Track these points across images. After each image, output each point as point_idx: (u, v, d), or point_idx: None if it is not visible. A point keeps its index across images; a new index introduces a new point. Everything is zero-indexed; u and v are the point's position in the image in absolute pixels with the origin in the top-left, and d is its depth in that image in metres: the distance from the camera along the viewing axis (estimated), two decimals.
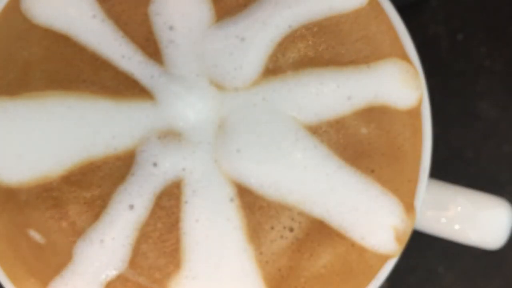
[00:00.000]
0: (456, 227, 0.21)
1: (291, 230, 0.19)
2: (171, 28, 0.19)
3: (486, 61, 0.29)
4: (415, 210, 0.19)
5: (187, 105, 0.19)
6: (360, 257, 0.19)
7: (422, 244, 0.28)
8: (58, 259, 0.19)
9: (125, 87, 0.19)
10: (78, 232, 0.19)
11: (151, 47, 0.19)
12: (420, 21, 0.29)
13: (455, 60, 0.29)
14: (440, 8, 0.29)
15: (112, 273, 0.19)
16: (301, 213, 0.19)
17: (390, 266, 0.20)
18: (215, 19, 0.20)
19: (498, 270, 0.28)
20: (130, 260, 0.19)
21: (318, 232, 0.19)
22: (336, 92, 0.19)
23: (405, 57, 0.20)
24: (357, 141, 0.20)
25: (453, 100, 0.29)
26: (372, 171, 0.19)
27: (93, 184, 0.19)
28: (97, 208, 0.19)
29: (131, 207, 0.19)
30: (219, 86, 0.19)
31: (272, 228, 0.19)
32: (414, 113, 0.20)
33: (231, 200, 0.19)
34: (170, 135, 0.19)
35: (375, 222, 0.19)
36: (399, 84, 0.20)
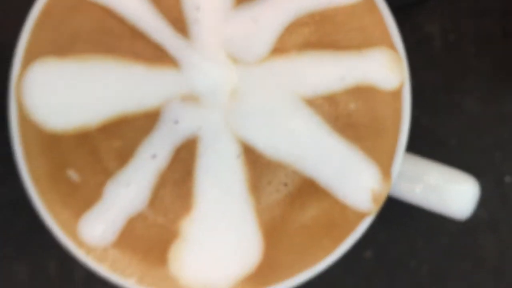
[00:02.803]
0: (428, 196, 0.22)
1: (285, 185, 0.21)
2: (197, 8, 0.21)
3: (474, 61, 0.30)
4: (391, 177, 0.21)
5: (206, 74, 0.21)
6: (342, 213, 0.21)
7: (403, 220, 0.30)
8: (90, 196, 0.21)
9: (156, 56, 0.21)
10: (108, 175, 0.21)
11: (179, 24, 0.21)
12: (416, 21, 0.30)
13: (446, 58, 0.30)
14: (434, 10, 0.30)
15: (134, 211, 0.21)
16: (294, 172, 0.21)
17: (367, 222, 0.21)
18: (235, 4, 0.22)
19: (470, 250, 0.30)
20: (149, 202, 0.21)
21: (307, 188, 0.21)
22: (331, 72, 0.21)
23: (392, 46, 0.22)
24: (346, 114, 0.21)
25: (442, 94, 0.30)
26: (357, 140, 0.21)
27: (124, 135, 0.21)
28: (125, 155, 0.21)
29: (154, 156, 0.21)
30: (234, 60, 0.21)
31: (270, 182, 0.21)
32: (396, 95, 0.22)
33: (238, 156, 0.21)
34: (190, 98, 0.21)
35: (356, 184, 0.21)
36: (385, 69, 0.21)
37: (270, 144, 0.21)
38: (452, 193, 0.22)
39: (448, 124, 0.30)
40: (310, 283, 0.29)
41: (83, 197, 0.21)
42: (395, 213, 0.29)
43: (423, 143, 0.29)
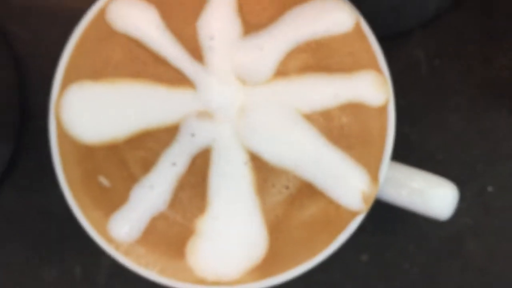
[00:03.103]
0: (413, 199, 0.24)
1: (287, 188, 0.23)
2: (211, 38, 0.23)
3: (457, 83, 0.31)
4: (379, 181, 0.23)
5: (219, 94, 0.23)
6: (336, 212, 0.23)
7: (396, 227, 0.31)
8: (119, 199, 0.23)
9: (176, 79, 0.23)
10: (134, 180, 0.23)
11: (196, 51, 0.23)
12: (404, 48, 0.32)
13: (432, 81, 0.32)
14: (421, 38, 0.32)
15: (156, 211, 0.23)
16: (295, 176, 0.23)
17: (358, 220, 0.23)
18: (243, 34, 0.23)
19: (457, 253, 0.31)
20: (169, 203, 0.23)
21: (306, 190, 0.23)
22: (325, 91, 0.23)
23: (378, 69, 0.23)
24: (339, 127, 0.23)
25: (429, 113, 0.31)
26: (349, 149, 0.23)
27: (147, 147, 0.23)
28: (149, 164, 0.23)
29: (174, 164, 0.23)
30: (242, 82, 0.23)
31: (273, 185, 0.23)
32: (382, 110, 0.23)
33: (245, 163, 0.23)
34: (205, 115, 0.23)
35: (349, 186, 0.23)
36: (372, 88, 0.23)
37: (273, 153, 0.23)
38: (435, 196, 0.23)
39: (434, 139, 0.31)
40: (312, 285, 0.31)
41: (112, 200, 0.23)
42: (389, 220, 0.31)
43: (412, 157, 0.30)
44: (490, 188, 0.31)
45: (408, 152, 0.30)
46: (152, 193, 0.23)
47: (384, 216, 0.31)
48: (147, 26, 0.23)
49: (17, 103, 0.31)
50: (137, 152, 0.23)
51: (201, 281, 0.23)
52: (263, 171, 0.23)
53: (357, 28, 0.23)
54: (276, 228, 0.23)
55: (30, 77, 0.33)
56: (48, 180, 0.30)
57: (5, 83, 0.31)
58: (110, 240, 0.23)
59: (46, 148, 0.31)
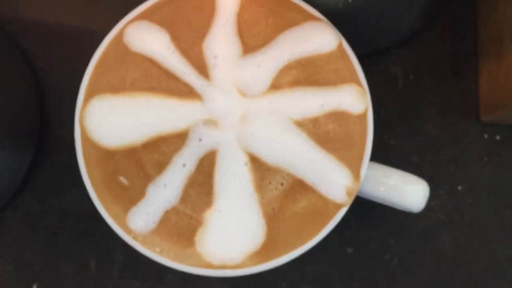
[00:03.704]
0: (390, 195, 0.25)
1: (282, 184, 0.24)
2: (215, 57, 0.25)
3: (430, 95, 0.33)
4: (360, 177, 0.24)
5: (222, 104, 0.24)
6: (324, 204, 0.24)
7: (378, 222, 0.33)
8: (136, 196, 0.24)
9: (185, 92, 0.25)
10: (149, 179, 0.24)
11: (202, 68, 0.25)
12: (383, 64, 0.34)
13: (408, 93, 0.34)
14: (398, 55, 0.34)
15: (168, 206, 0.24)
16: (288, 174, 0.24)
17: (343, 212, 0.24)
18: (243, 53, 0.25)
19: (432, 245, 0.33)
20: (180, 199, 0.24)
21: (298, 187, 0.24)
22: (314, 101, 0.24)
23: (358, 83, 0.25)
24: (325, 132, 0.24)
25: (405, 122, 0.33)
26: (334, 151, 0.24)
27: (161, 150, 0.24)
28: (162, 165, 0.24)
29: (184, 165, 0.24)
30: (242, 94, 0.24)
31: (270, 183, 0.24)
32: (362, 117, 0.25)
33: (246, 164, 0.24)
34: (211, 122, 0.24)
35: (334, 182, 0.24)
36: (353, 99, 0.25)
37: (269, 155, 0.24)
38: (409, 191, 0.25)
39: (410, 144, 0.33)
40: (305, 274, 0.33)
41: (130, 196, 0.24)
42: (371, 217, 0.33)
43: (391, 160, 0.31)
44: (460, 187, 0.33)
45: (387, 155, 0.33)
46: (165, 190, 0.24)
47: (367, 213, 0.33)
48: (159, 47, 0.25)
49: (37, 115, 0.34)
50: (152, 155, 0.24)
51: (209, 266, 0.24)
52: (261, 170, 0.24)
53: (340, 47, 0.25)
54: (273, 219, 0.24)
55: (46, 90, 0.35)
56: (65, 183, 0.33)
57: (27, 96, 0.33)
58: (129, 231, 0.24)
59: (63, 154, 0.33)
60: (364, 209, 0.30)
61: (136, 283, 0.33)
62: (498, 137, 0.34)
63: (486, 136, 0.34)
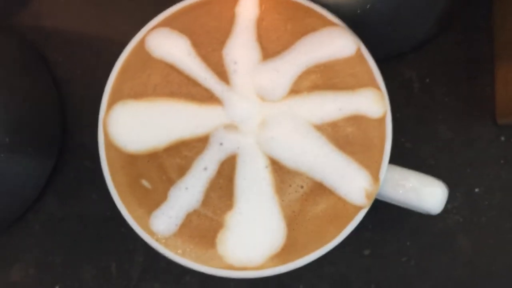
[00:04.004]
0: (408, 196, 0.25)
1: (302, 187, 0.25)
2: (235, 62, 0.25)
3: (445, 98, 0.33)
4: (379, 180, 0.25)
5: (242, 109, 0.25)
6: (343, 207, 0.25)
7: (394, 225, 0.33)
8: (158, 198, 0.25)
9: (206, 97, 0.25)
10: (171, 183, 0.25)
11: (222, 74, 0.25)
12: (399, 69, 0.34)
13: (424, 96, 0.33)
14: (414, 59, 0.34)
15: (190, 209, 0.25)
16: (308, 177, 0.25)
17: (362, 213, 0.24)
18: (262, 59, 0.25)
19: (448, 247, 0.33)
20: (202, 201, 0.25)
21: (318, 189, 0.25)
22: (332, 105, 0.25)
23: (377, 87, 0.25)
24: (344, 136, 0.25)
25: (421, 125, 0.33)
26: (353, 154, 0.25)
27: (183, 154, 0.25)
28: (184, 168, 0.25)
29: (205, 168, 0.25)
30: (262, 99, 0.25)
31: (290, 185, 0.25)
32: (381, 121, 0.25)
33: (266, 167, 0.25)
34: (231, 127, 0.25)
35: (354, 185, 0.24)
36: (372, 103, 0.25)
37: (289, 158, 0.25)
38: (427, 193, 0.25)
39: (427, 147, 0.33)
40: (322, 276, 0.33)
41: (153, 199, 0.25)
42: (388, 220, 0.33)
43: (408, 163, 0.31)
44: (477, 190, 0.33)
45: (403, 158, 0.32)
46: (187, 194, 0.25)
47: (383, 215, 0.33)
48: (180, 53, 0.26)
49: (58, 122, 0.35)
50: (174, 159, 0.25)
51: (230, 267, 0.24)
52: (281, 173, 0.25)
53: (358, 52, 0.26)
54: (293, 221, 0.25)
55: (66, 97, 0.36)
56: (86, 187, 0.34)
57: (49, 104, 0.34)
58: (151, 233, 0.25)
59: (84, 160, 0.34)
60: (380, 212, 0.30)
61: (155, 285, 0.33)
62: None
63: (502, 138, 0.33)
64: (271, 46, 0.26)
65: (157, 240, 0.25)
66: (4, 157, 0.29)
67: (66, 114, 0.35)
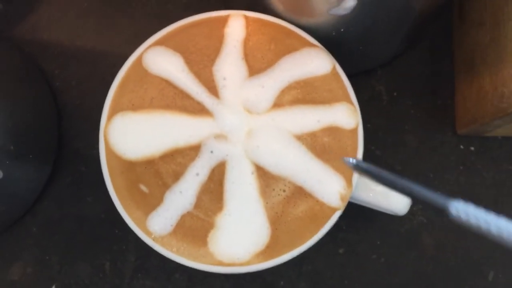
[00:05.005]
0: (378, 199, 0.27)
1: (284, 191, 0.26)
2: (224, 78, 0.27)
3: (411, 110, 0.35)
4: (352, 184, 0.26)
5: (231, 121, 0.26)
6: (321, 208, 0.26)
7: (366, 226, 0.34)
8: (155, 202, 0.26)
9: (198, 110, 0.26)
10: (167, 187, 0.26)
11: (213, 89, 0.27)
12: (369, 83, 0.35)
13: (392, 109, 0.35)
14: (383, 75, 0.36)
15: (184, 211, 0.26)
16: (290, 182, 0.26)
17: (337, 215, 0.26)
18: (249, 75, 0.27)
19: (414, 245, 0.34)
20: (194, 204, 0.26)
21: (299, 193, 0.26)
22: (311, 118, 0.26)
23: (350, 101, 0.27)
24: (321, 145, 0.26)
25: (390, 134, 0.35)
26: (329, 161, 0.26)
27: (177, 161, 0.26)
28: (178, 174, 0.26)
29: (197, 174, 0.26)
30: (249, 111, 0.26)
31: (274, 189, 0.26)
32: (353, 132, 0.27)
33: (252, 173, 0.26)
34: (221, 137, 0.26)
35: (330, 189, 0.26)
36: (346, 115, 0.27)
37: (273, 165, 0.26)
38: (394, 197, 0.27)
39: (394, 154, 0.35)
40: (301, 273, 0.34)
41: (150, 202, 0.26)
42: (360, 220, 0.35)
43: None
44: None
45: (373, 164, 0.34)
46: (181, 197, 0.26)
47: (356, 217, 0.34)
48: (174, 70, 0.27)
49: (56, 130, 0.36)
50: (169, 166, 0.26)
51: (220, 263, 0.26)
52: (266, 178, 0.26)
53: (334, 70, 0.28)
54: (276, 222, 0.26)
55: (63, 107, 0.37)
56: (81, 191, 0.35)
57: (46, 113, 0.36)
58: (149, 233, 0.26)
59: (79, 165, 0.35)
60: (353, 214, 0.32)
61: (147, 283, 0.35)
62: (472, 148, 0.35)
63: (461, 147, 0.35)
64: (256, 64, 0.28)
65: (154, 239, 0.26)
66: (9, 163, 0.30)
67: (62, 123, 0.36)
